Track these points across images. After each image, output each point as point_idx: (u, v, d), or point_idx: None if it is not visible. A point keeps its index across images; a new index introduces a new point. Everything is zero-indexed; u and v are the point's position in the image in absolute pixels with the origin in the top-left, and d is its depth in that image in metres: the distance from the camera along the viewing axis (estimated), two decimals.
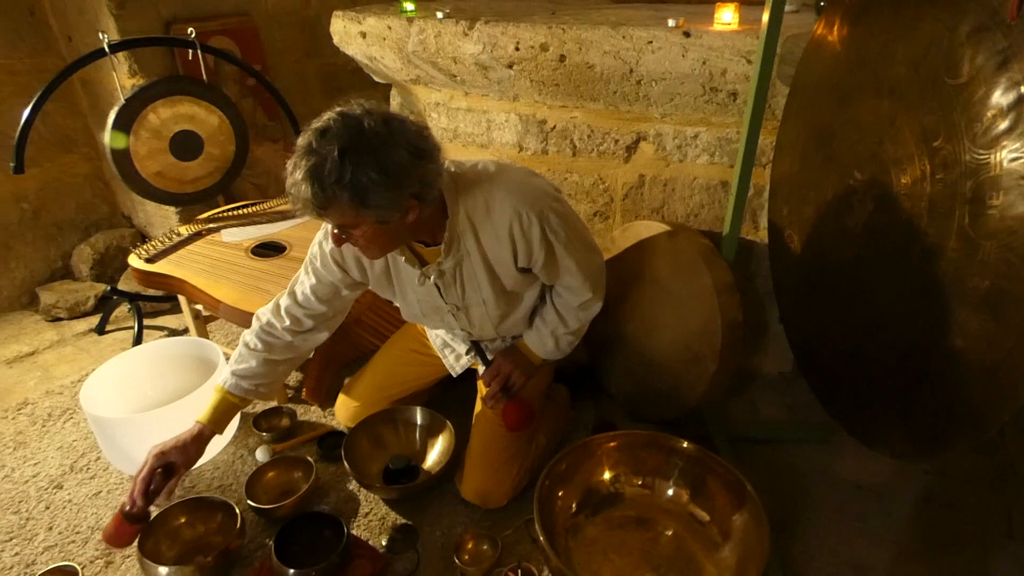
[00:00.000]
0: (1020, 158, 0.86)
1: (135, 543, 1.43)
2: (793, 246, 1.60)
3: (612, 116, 1.98)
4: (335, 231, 1.26)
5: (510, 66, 1.96)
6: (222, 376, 1.55)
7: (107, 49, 2.05)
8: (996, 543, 1.54)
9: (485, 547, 1.51)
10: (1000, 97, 0.88)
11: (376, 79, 2.56)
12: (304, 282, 1.55)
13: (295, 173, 1.14)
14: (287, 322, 1.55)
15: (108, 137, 2.08)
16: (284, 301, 1.57)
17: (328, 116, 1.16)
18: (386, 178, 1.14)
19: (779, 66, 1.56)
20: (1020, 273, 0.86)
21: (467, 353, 1.76)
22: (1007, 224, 0.88)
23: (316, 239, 1.53)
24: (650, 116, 1.91)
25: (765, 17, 1.44)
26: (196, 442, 1.47)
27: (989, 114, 0.90)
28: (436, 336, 1.83)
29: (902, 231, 1.11)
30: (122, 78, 2.54)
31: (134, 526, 1.40)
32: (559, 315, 1.61)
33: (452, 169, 1.39)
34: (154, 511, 1.47)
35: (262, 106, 3.01)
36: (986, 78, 0.90)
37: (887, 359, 1.23)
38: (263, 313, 1.59)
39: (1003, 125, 0.88)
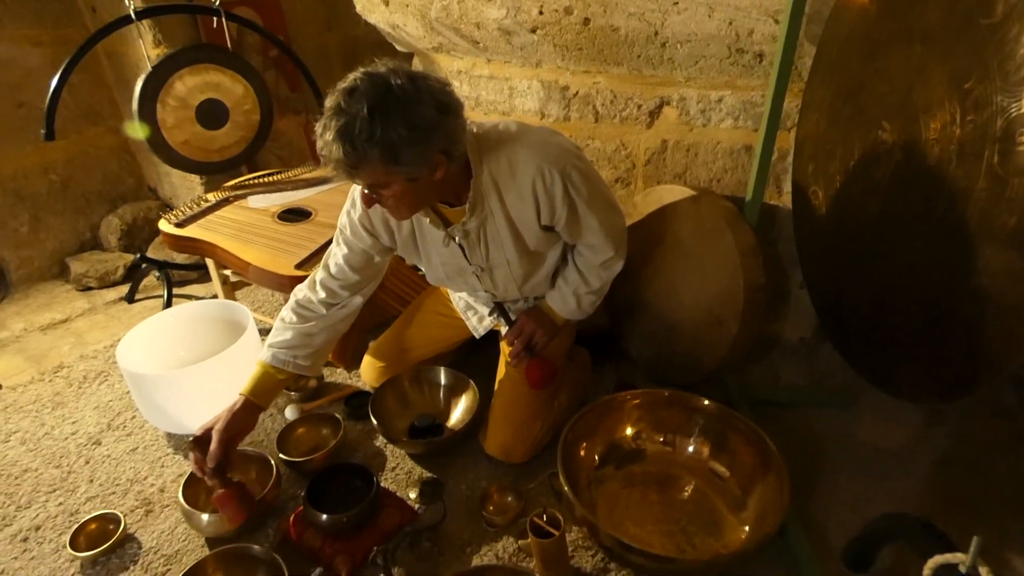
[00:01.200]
0: None
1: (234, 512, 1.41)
2: (818, 204, 1.61)
3: (635, 81, 1.98)
4: (366, 192, 1.29)
5: (533, 30, 1.96)
6: (261, 352, 1.56)
7: (133, 15, 2.08)
8: (1016, 505, 1.55)
9: (510, 499, 1.55)
10: None
11: (398, 48, 2.57)
12: (336, 254, 1.57)
13: (325, 134, 1.16)
14: (322, 295, 1.57)
15: (133, 125, 2.12)
16: (320, 275, 1.59)
17: (354, 76, 1.18)
18: (415, 134, 1.17)
19: (807, 25, 1.56)
20: None
21: (490, 315, 1.79)
22: None
23: (344, 210, 1.55)
24: (674, 80, 1.91)
25: None
26: (243, 412, 1.47)
27: (1023, 51, 0.90)
28: (459, 298, 1.86)
29: (930, 178, 1.12)
30: (147, 47, 2.57)
31: (232, 490, 1.40)
32: (581, 274, 1.63)
33: (475, 130, 1.41)
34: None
35: (285, 78, 3.04)
36: (1021, 14, 0.90)
37: (911, 309, 1.24)
38: (299, 290, 1.61)
39: None
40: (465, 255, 1.53)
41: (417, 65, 2.60)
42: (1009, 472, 1.64)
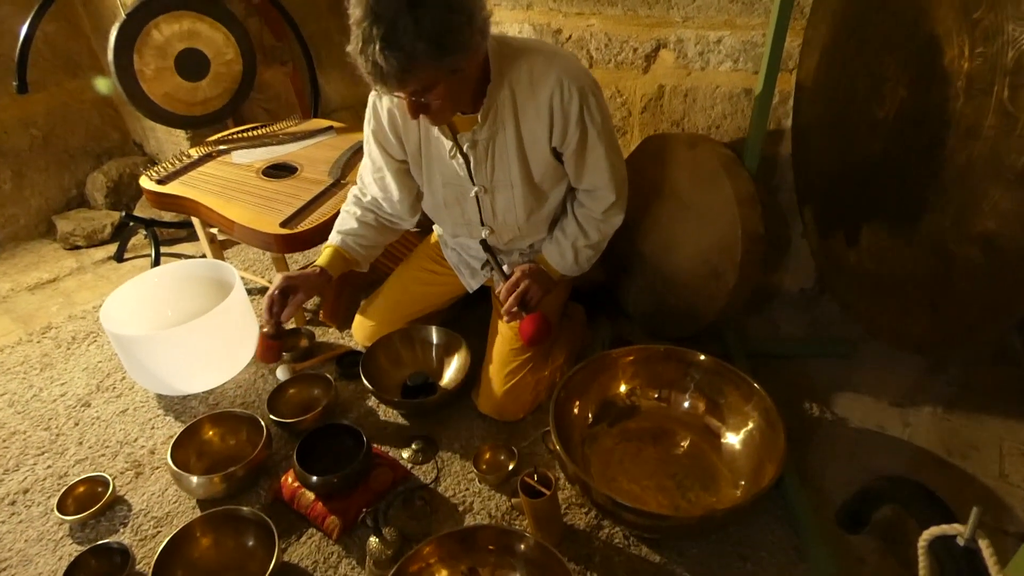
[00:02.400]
0: None
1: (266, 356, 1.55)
2: (819, 147, 1.54)
3: (631, 22, 1.88)
4: (412, 101, 1.23)
5: None
6: (332, 237, 1.63)
7: None
8: (1016, 450, 1.53)
9: (503, 457, 1.54)
10: None
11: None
12: (369, 178, 1.62)
13: (368, 48, 1.09)
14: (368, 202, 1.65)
15: (98, 80, 2.04)
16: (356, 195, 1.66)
17: None
18: (455, 15, 1.12)
19: None
20: None
21: (482, 268, 1.75)
22: None
23: (365, 138, 1.59)
24: (671, 20, 1.81)
25: None
26: (318, 276, 1.55)
27: None
28: (452, 252, 1.81)
29: (936, 116, 1.05)
30: None
31: (275, 342, 1.53)
32: (580, 226, 1.59)
33: (498, 38, 1.36)
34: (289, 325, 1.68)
35: (269, 26, 2.90)
36: None
37: (915, 255, 1.19)
38: (364, 188, 1.66)
39: None
40: (470, 171, 1.49)
41: None
42: (1013, 417, 1.62)
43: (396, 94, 1.23)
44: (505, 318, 1.64)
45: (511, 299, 1.59)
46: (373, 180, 1.61)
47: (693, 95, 1.89)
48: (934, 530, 0.85)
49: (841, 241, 1.51)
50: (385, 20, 1.07)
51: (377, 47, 1.08)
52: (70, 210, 2.88)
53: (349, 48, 1.14)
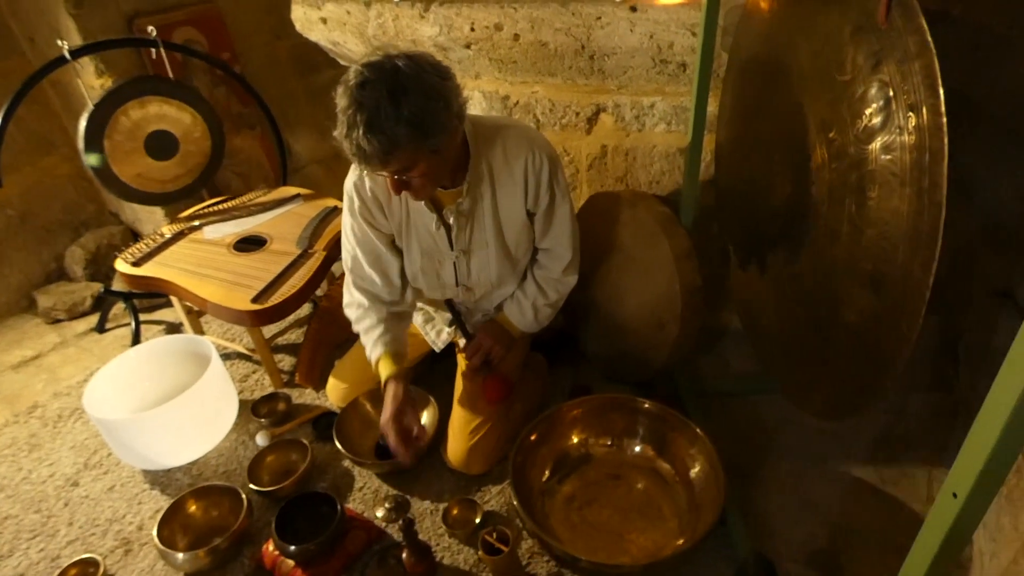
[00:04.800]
0: (889, 155, 0.92)
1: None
2: (731, 216, 1.67)
3: (571, 89, 2.02)
4: (395, 179, 1.35)
5: (468, 46, 1.99)
6: (374, 352, 1.70)
7: (68, 56, 2.07)
8: (943, 476, 1.65)
9: (470, 512, 1.64)
10: (874, 96, 0.94)
11: (341, 62, 2.58)
12: (363, 268, 1.68)
13: (353, 132, 1.23)
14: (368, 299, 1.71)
15: (84, 156, 2.13)
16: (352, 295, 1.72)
17: (356, 70, 1.25)
18: (434, 103, 1.26)
19: (722, 37, 1.60)
20: (893, 258, 0.94)
21: (449, 326, 1.86)
22: (882, 215, 0.96)
23: (344, 230, 1.67)
24: (607, 88, 1.96)
25: None
26: (398, 388, 1.64)
27: (867, 111, 0.96)
28: (417, 313, 1.92)
29: (812, 214, 1.18)
30: (89, 79, 2.57)
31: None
32: (539, 287, 1.74)
33: (472, 119, 1.51)
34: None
35: (235, 94, 3.03)
36: (864, 77, 0.96)
37: (807, 330, 1.32)
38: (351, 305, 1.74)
39: (877, 122, 0.94)
40: (450, 239, 1.61)
41: None
42: (943, 443, 1.74)
43: (380, 173, 1.36)
44: (469, 375, 1.76)
45: (475, 358, 1.72)
46: (370, 267, 1.67)
47: (633, 154, 2.03)
48: None
49: (754, 302, 1.64)
50: (368, 108, 1.21)
51: (361, 132, 1.21)
52: (50, 283, 2.95)
53: (335, 133, 1.27)
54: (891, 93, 0.89)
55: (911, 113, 0.86)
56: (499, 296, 1.79)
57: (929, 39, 0.81)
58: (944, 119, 0.80)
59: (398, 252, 1.69)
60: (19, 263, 2.89)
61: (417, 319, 1.93)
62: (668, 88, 1.86)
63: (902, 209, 0.90)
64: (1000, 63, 1.33)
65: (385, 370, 1.66)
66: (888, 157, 0.92)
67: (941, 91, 0.80)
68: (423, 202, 1.53)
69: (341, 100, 1.24)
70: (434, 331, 1.91)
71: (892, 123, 0.90)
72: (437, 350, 1.93)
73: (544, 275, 1.74)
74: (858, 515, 1.59)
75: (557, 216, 1.63)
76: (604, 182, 2.13)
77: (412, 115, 1.22)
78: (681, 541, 1.44)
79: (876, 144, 0.94)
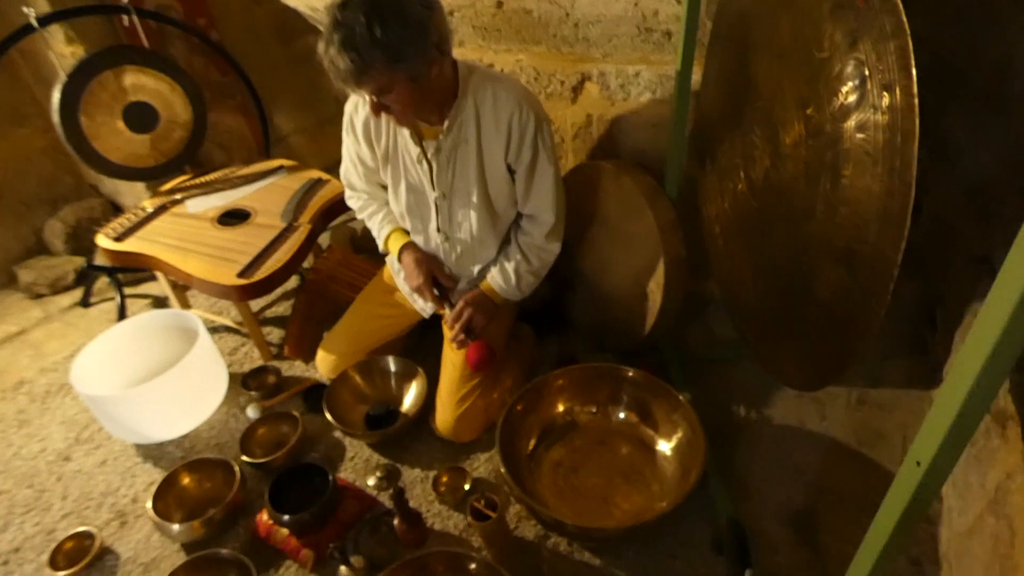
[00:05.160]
0: (863, 134, 0.94)
1: None
2: (713, 192, 1.69)
3: (556, 58, 2.00)
4: (374, 101, 1.40)
5: (450, 13, 1.96)
6: (382, 231, 1.85)
7: (35, 24, 2.02)
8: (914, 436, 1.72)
9: (459, 479, 1.68)
10: (851, 74, 0.95)
11: (321, 29, 2.52)
12: (352, 173, 1.82)
13: (329, 49, 1.28)
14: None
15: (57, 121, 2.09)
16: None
17: None
18: (410, 31, 1.30)
19: (707, 4, 1.59)
20: (865, 237, 0.96)
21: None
22: (855, 194, 0.97)
23: (344, 145, 1.77)
24: (592, 56, 1.94)
25: None
26: (417, 253, 1.81)
27: (843, 89, 0.96)
28: (404, 280, 1.93)
29: (789, 190, 1.20)
30: (59, 47, 2.50)
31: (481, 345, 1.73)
32: (523, 253, 1.75)
33: (471, 65, 1.57)
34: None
35: (213, 63, 2.96)
36: (842, 55, 0.96)
37: (783, 304, 1.35)
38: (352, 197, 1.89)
39: (852, 100, 0.95)
40: (432, 177, 1.64)
41: None
42: (915, 407, 1.80)
43: (358, 93, 1.41)
44: (452, 345, 1.78)
45: (457, 327, 1.74)
46: (365, 182, 1.83)
47: (619, 123, 2.02)
48: None
49: (734, 277, 1.66)
50: (344, 28, 1.26)
51: (335, 50, 1.27)
52: (30, 258, 2.92)
53: (319, 49, 1.31)
54: (867, 72, 0.90)
55: (885, 92, 0.87)
56: (481, 259, 1.80)
57: (904, 19, 0.82)
58: (916, 100, 0.81)
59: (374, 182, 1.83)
60: None
61: (404, 286, 1.94)
62: (653, 57, 1.85)
63: (874, 188, 0.92)
64: (984, 33, 1.33)
65: (398, 242, 1.81)
66: (862, 136, 0.93)
67: (914, 72, 0.81)
68: (408, 132, 1.58)
69: (324, 16, 1.29)
70: (421, 298, 1.92)
71: (867, 102, 0.91)
72: (426, 315, 1.95)
73: (527, 241, 1.75)
74: (835, 476, 1.64)
75: (539, 176, 1.64)
76: (589, 152, 2.12)
77: (386, 39, 1.26)
78: (664, 504, 1.49)
79: (851, 122, 0.95)
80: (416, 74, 1.36)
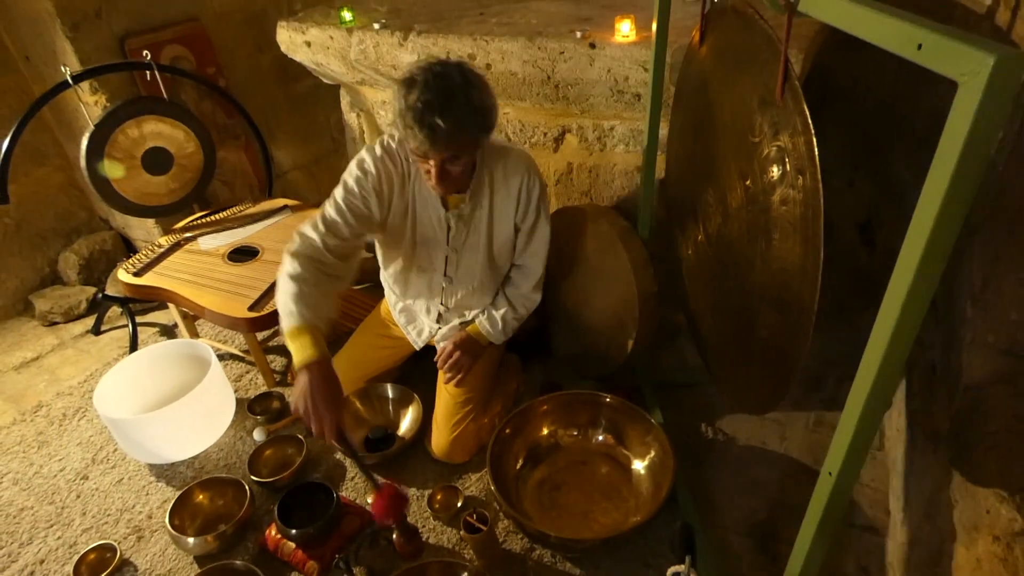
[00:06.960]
0: (786, 206, 1.14)
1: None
2: (679, 238, 1.89)
3: (539, 112, 2.21)
4: (441, 167, 1.48)
5: None
6: (291, 320, 1.52)
7: (70, 81, 2.21)
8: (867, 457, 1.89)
9: (453, 497, 1.84)
10: (775, 157, 1.15)
11: (324, 80, 2.74)
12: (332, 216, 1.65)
13: (428, 114, 1.35)
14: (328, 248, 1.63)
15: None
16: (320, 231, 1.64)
17: (425, 66, 1.40)
18: (492, 99, 1.47)
19: (671, 73, 1.80)
20: (791, 287, 1.15)
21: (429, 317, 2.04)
22: (783, 253, 1.17)
23: (352, 176, 1.65)
24: (571, 112, 2.15)
25: (654, 27, 1.65)
26: (325, 370, 1.50)
27: (771, 168, 1.16)
28: (400, 314, 2.10)
29: (735, 243, 1.40)
30: (84, 96, 2.69)
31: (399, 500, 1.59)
32: (510, 303, 1.94)
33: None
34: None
35: (220, 106, 3.17)
36: (768, 141, 1.16)
37: (733, 338, 1.54)
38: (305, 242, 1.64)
39: (776, 177, 1.15)
40: (448, 234, 1.80)
41: (344, 95, 2.78)
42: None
43: (435, 157, 1.45)
44: (445, 380, 1.96)
45: (446, 368, 1.92)
46: (352, 217, 1.63)
47: (596, 171, 2.23)
48: (673, 568, 1.29)
49: (698, 312, 1.86)
50: (441, 93, 1.37)
51: (437, 113, 1.36)
52: (45, 287, 3.08)
53: (399, 120, 1.40)
54: (786, 158, 1.10)
55: (799, 175, 1.07)
56: (475, 304, 1.98)
57: (809, 121, 1.02)
58: (820, 185, 1.01)
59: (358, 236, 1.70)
60: (15, 269, 3.01)
61: (400, 320, 2.11)
62: (625, 114, 2.06)
63: (796, 250, 1.12)
64: (924, 83, 1.53)
65: (307, 350, 1.50)
66: (785, 208, 1.13)
67: (818, 163, 1.01)
68: (435, 196, 1.69)
69: (412, 91, 1.37)
70: (415, 331, 2.09)
71: (787, 181, 1.11)
72: (418, 348, 2.12)
73: (514, 292, 1.95)
74: (793, 492, 1.82)
75: (537, 234, 1.85)
76: (570, 196, 2.33)
77: (480, 104, 1.42)
78: (638, 518, 1.65)
79: (776, 196, 1.15)
80: (483, 143, 1.53)
